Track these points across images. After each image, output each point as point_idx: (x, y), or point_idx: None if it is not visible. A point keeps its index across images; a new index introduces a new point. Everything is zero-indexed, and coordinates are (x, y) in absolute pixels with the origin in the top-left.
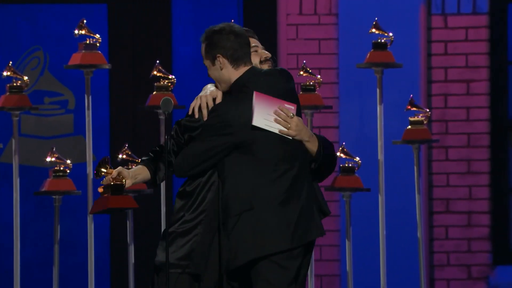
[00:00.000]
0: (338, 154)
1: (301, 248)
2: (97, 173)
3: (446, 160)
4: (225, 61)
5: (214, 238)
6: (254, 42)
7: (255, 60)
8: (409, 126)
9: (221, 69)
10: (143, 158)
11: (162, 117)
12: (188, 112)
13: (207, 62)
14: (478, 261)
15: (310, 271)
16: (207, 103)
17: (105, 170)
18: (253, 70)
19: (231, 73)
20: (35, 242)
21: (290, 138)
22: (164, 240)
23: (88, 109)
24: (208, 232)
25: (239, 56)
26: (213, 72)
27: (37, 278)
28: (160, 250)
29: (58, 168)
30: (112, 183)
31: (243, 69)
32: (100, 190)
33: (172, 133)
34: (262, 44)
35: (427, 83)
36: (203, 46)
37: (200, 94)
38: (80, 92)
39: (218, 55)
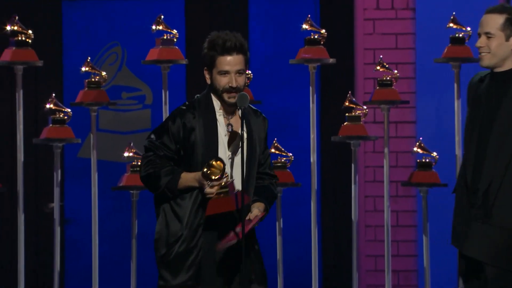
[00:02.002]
0: (415, 149)
1: None
2: (206, 176)
3: None
4: None
5: (215, 250)
6: None
7: None
8: None
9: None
10: (167, 166)
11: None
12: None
13: (498, 33)
14: None
15: (387, 266)
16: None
17: (207, 172)
18: None
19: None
20: (113, 237)
21: None
22: (167, 262)
23: (165, 104)
24: (211, 244)
25: None
26: (499, 46)
27: (115, 273)
28: (167, 272)
29: (135, 163)
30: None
31: None
32: (214, 190)
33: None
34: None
35: None
36: (501, 17)
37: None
38: (158, 87)
39: None
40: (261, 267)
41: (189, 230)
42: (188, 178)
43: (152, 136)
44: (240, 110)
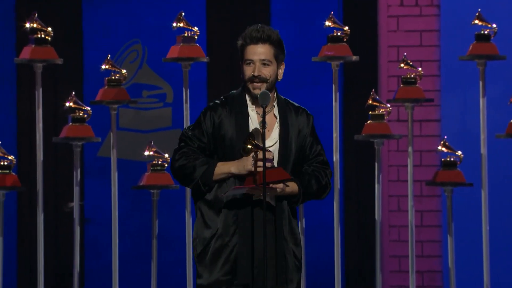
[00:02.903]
0: (439, 148)
1: None
2: (247, 151)
3: None
4: None
5: (253, 244)
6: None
7: None
8: None
9: None
10: (201, 158)
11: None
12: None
13: None
14: None
15: (411, 267)
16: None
17: (251, 147)
18: None
19: None
20: (133, 237)
21: None
22: (204, 260)
23: (186, 102)
24: (246, 239)
25: None
26: None
27: (135, 273)
28: (203, 269)
29: (156, 162)
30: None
31: None
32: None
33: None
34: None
35: None
36: None
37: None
38: (178, 85)
39: None
40: (289, 268)
41: (224, 225)
42: (225, 166)
43: (186, 129)
44: (275, 107)
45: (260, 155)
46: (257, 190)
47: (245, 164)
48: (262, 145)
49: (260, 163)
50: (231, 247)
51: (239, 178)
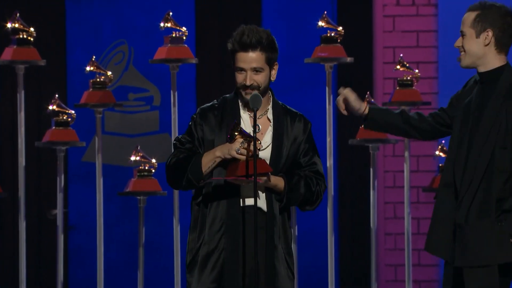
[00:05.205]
0: (437, 153)
1: None
2: (231, 137)
3: None
4: (492, 39)
5: (243, 250)
6: None
7: None
8: None
9: (485, 45)
10: (191, 156)
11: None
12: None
13: (468, 31)
14: None
15: (408, 276)
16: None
17: (237, 133)
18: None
19: (491, 54)
20: (120, 244)
21: None
22: (193, 269)
23: (174, 105)
24: (233, 245)
25: (505, 42)
26: (471, 44)
27: (121, 280)
28: (191, 278)
29: (142, 167)
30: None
31: (502, 58)
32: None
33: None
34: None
35: None
36: (472, 14)
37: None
38: (166, 87)
39: (489, 30)
40: (276, 272)
41: (210, 232)
42: (210, 152)
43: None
44: (269, 110)
45: (246, 142)
46: (239, 181)
47: (229, 148)
48: (249, 134)
49: (244, 152)
50: (217, 253)
51: (224, 166)
